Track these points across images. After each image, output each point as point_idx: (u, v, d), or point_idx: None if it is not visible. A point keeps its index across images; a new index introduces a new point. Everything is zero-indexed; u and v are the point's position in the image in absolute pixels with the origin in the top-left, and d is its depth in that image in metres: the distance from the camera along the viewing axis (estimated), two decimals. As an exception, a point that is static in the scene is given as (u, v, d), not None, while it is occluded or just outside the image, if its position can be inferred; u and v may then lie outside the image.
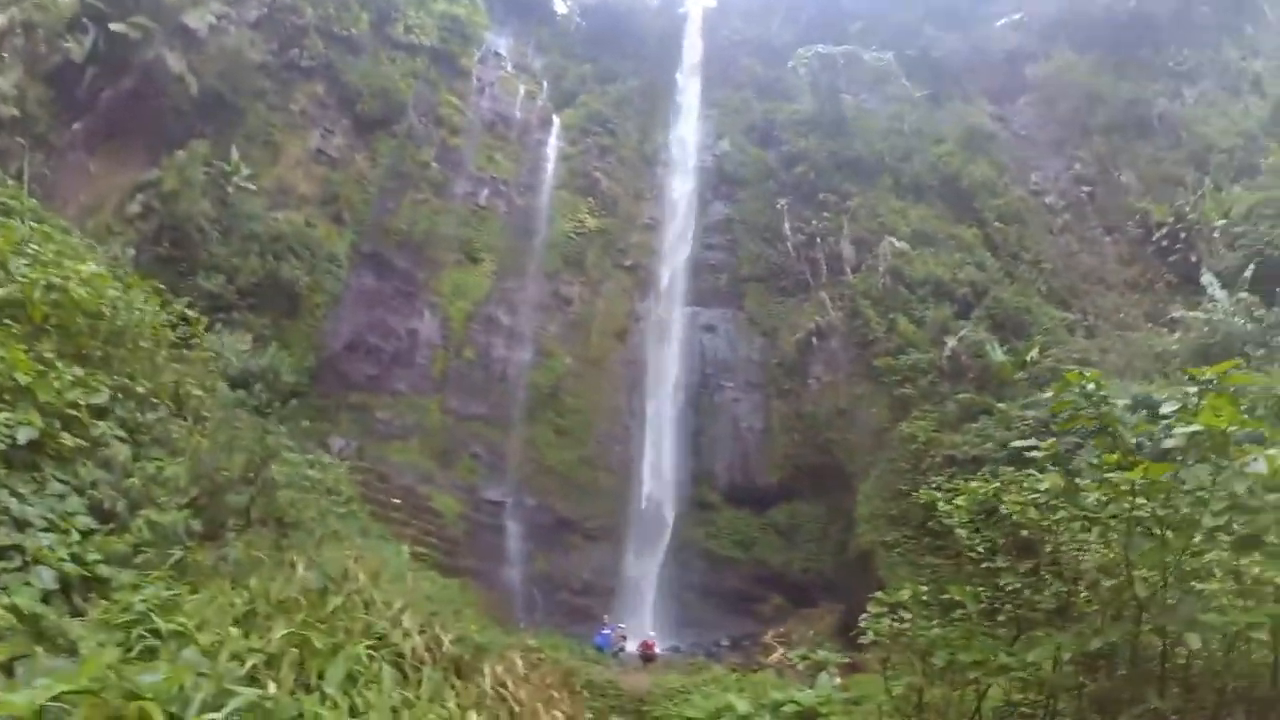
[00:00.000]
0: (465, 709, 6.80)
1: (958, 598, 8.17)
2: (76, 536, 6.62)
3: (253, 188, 29.60)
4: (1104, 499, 5.92)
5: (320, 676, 5.70)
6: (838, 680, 9.99)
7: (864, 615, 8.79)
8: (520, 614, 29.53)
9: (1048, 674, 6.50)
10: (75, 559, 6.29)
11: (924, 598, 8.48)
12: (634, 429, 36.45)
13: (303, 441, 24.96)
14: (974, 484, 9.16)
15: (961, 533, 9.37)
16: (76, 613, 5.76)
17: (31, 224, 12.35)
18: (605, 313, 38.86)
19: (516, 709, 7.93)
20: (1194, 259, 31.30)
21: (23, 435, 7.01)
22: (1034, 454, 6.92)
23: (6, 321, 8.57)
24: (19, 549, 5.90)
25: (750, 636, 30.91)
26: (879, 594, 8.76)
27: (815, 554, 31.94)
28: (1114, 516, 5.92)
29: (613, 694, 17.89)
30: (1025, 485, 7.98)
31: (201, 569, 7.34)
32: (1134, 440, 6.26)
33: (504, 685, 8.16)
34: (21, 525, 6.23)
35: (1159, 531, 5.52)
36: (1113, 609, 6.27)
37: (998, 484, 8.83)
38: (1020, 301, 31.97)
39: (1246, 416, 4.90)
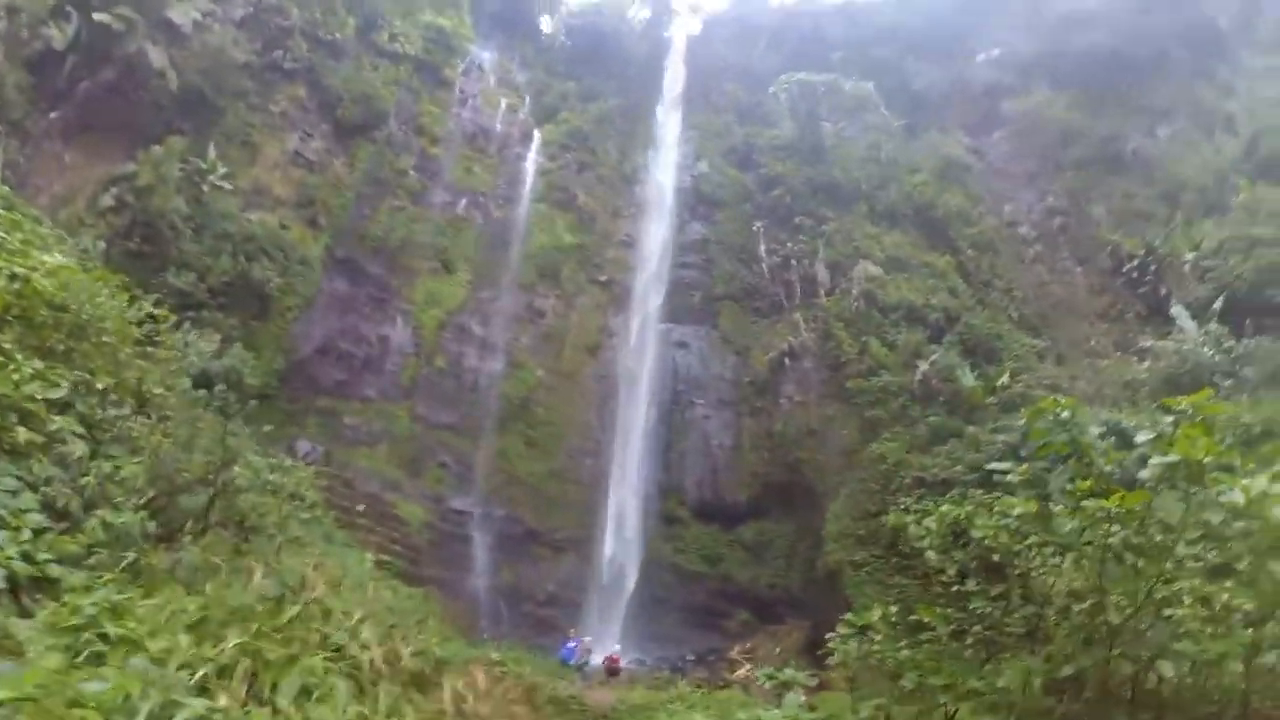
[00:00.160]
0: (423, 725, 6.63)
1: (927, 620, 8.13)
2: (28, 535, 6.39)
3: (228, 187, 29.20)
4: (1080, 525, 5.91)
5: (273, 689, 5.52)
6: (804, 699, 9.90)
7: (831, 635, 8.72)
8: (485, 625, 29.23)
9: (1018, 698, 6.45)
10: (25, 558, 6.08)
11: (893, 619, 8.42)
12: (605, 443, 36.31)
13: (268, 445, 24.56)
14: (945, 507, 9.15)
15: (932, 555, 9.34)
16: (25, 613, 5.54)
17: (1, 211, 12.02)
18: (579, 326, 38.80)
19: (477, 725, 7.76)
20: (1163, 291, 32.04)
21: (-26, 428, 6.77)
22: (1009, 477, 6.92)
23: (-34, 311, 8.31)
24: (-34, 545, 5.67)
25: (716, 651, 30.82)
26: (848, 615, 8.70)
27: (783, 571, 31.95)
28: (1088, 543, 5.91)
29: (576, 710, 17.59)
30: (996, 509, 7.97)
31: (156, 573, 7.11)
32: (1108, 467, 6.28)
33: (465, 701, 7.98)
34: (-30, 520, 6.00)
35: (1132, 559, 5.52)
36: (1084, 634, 6.25)
37: (969, 507, 8.81)
38: (991, 328, 32.40)
39: (1221, 447, 4.92)
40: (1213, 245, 30.50)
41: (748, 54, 50.98)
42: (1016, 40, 46.37)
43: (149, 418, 10.51)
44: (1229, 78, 39.24)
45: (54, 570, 6.19)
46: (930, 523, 9.32)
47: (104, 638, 5.26)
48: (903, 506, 23.60)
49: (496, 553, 32.55)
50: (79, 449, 8.11)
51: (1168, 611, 5.55)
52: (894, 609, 8.60)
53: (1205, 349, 24.58)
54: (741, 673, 25.21)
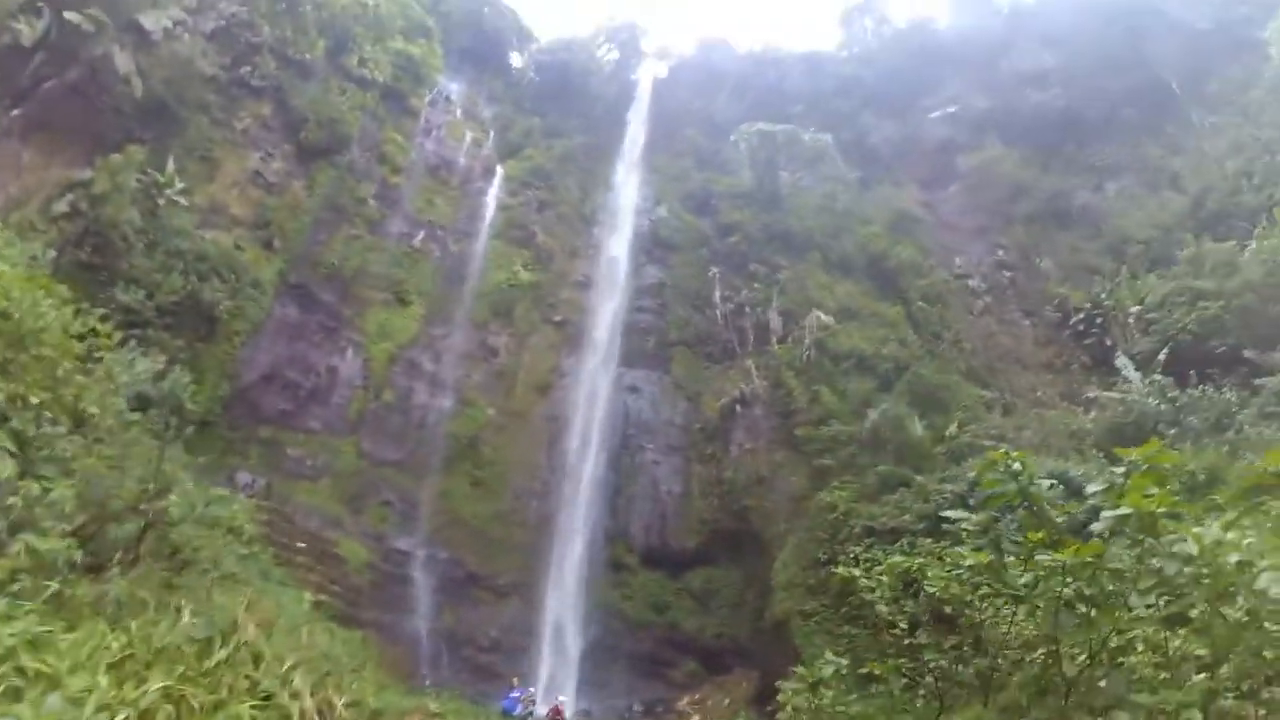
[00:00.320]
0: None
1: (879, 672, 8.07)
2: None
3: (184, 202, 28.48)
4: (1034, 577, 5.93)
5: (195, 738, 5.21)
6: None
7: (780, 684, 8.62)
8: (425, 670, 28.33)
9: (972, 751, 6.40)
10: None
11: (843, 671, 8.36)
12: (552, 485, 35.80)
13: (207, 474, 23.75)
14: (897, 558, 9.16)
15: (883, 609, 9.32)
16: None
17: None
18: (531, 366, 38.48)
19: (412, 781, 7.44)
20: (1108, 343, 33.09)
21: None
22: (963, 525, 6.95)
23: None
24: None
25: (663, 702, 30.30)
26: (800, 669, 8.59)
27: (730, 620, 31.62)
28: (1041, 595, 5.93)
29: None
30: (948, 560, 7.98)
31: (80, 605, 6.71)
32: (1059, 519, 6.34)
33: (401, 755, 7.64)
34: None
35: (1085, 609, 5.54)
36: (1038, 685, 6.24)
37: (920, 559, 8.83)
38: (940, 378, 32.93)
39: (1177, 498, 4.99)
40: (1157, 299, 31.50)
41: (711, 101, 52.16)
42: (971, 97, 48.31)
43: (85, 438, 10.04)
44: (1176, 135, 41.06)
45: (-28, 596, 5.80)
46: (881, 575, 9.31)
47: (21, 672, 4.91)
48: (852, 555, 23.72)
49: (439, 595, 31.66)
50: (8, 468, 7.67)
51: (1121, 660, 5.58)
52: (844, 660, 8.53)
53: (1150, 399, 25.27)
54: (691, 725, 24.79)
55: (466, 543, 33.33)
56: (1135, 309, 32.38)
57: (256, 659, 7.14)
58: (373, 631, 26.06)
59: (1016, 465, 6.13)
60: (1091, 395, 29.30)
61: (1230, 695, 4.83)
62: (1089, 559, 5.29)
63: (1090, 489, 5.79)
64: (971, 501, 20.98)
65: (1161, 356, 28.24)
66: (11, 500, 7.26)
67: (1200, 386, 25.12)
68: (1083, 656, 5.77)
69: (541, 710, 25.25)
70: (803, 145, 43.52)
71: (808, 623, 25.09)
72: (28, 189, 23.76)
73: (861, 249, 40.54)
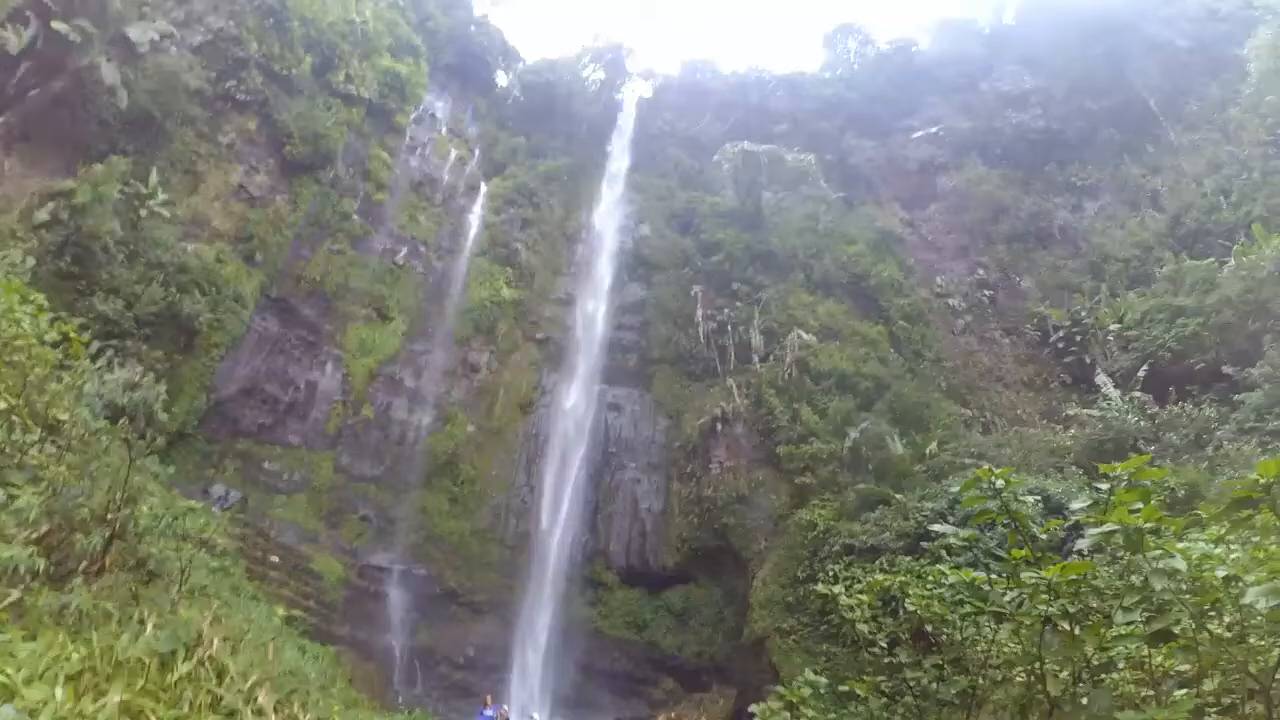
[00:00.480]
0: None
1: (858, 691, 8.00)
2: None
3: (166, 215, 28.18)
4: (1019, 595, 5.89)
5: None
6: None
7: (754, 707, 8.51)
8: (399, 687, 27.94)
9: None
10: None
11: (821, 689, 8.27)
12: (531, 503, 35.58)
13: (183, 486, 23.41)
14: (879, 576, 9.11)
15: (863, 627, 9.27)
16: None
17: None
18: (511, 383, 38.36)
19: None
20: (1088, 360, 33.36)
21: None
22: (949, 540, 6.92)
23: None
24: None
25: None
26: (779, 689, 8.50)
27: (709, 638, 31.41)
28: (1026, 613, 5.89)
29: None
30: (930, 579, 7.93)
31: (41, 614, 6.51)
32: (1044, 536, 6.31)
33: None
34: None
35: (1069, 627, 5.50)
36: (1021, 704, 6.18)
37: (902, 577, 8.78)
38: (921, 397, 33.07)
39: (1165, 513, 4.97)
40: (1137, 316, 31.77)
41: (695, 121, 52.52)
42: (953, 118, 48.96)
43: (56, 447, 9.83)
44: (1156, 154, 41.55)
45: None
46: (861, 593, 9.25)
47: (-24, 681, 4.74)
48: (831, 573, 23.74)
49: (414, 612, 31.29)
50: (-31, 474, 7.48)
51: (1103, 677, 5.53)
52: (823, 679, 8.45)
53: (1129, 416, 25.50)
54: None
55: (444, 559, 33.00)
56: (1115, 327, 32.71)
57: (220, 674, 6.94)
58: (346, 648, 25.74)
59: (1000, 482, 6.09)
60: (1071, 413, 29.50)
61: (1214, 711, 4.80)
62: (1074, 576, 5.26)
63: (1074, 505, 5.77)
64: (951, 519, 21.09)
65: (1141, 374, 28.56)
66: (-27, 506, 7.08)
67: (1179, 403, 25.41)
68: (1065, 674, 5.72)
69: (515, 728, 24.95)
70: (786, 165, 43.83)
71: (786, 640, 24.99)
72: (9, 197, 23.49)
73: (843, 268, 40.80)
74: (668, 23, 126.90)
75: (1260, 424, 22.14)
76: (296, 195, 34.52)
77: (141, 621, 7.11)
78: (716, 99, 54.56)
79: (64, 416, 10.28)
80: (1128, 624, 5.25)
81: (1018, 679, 6.52)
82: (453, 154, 44.02)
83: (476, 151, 46.24)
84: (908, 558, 20.90)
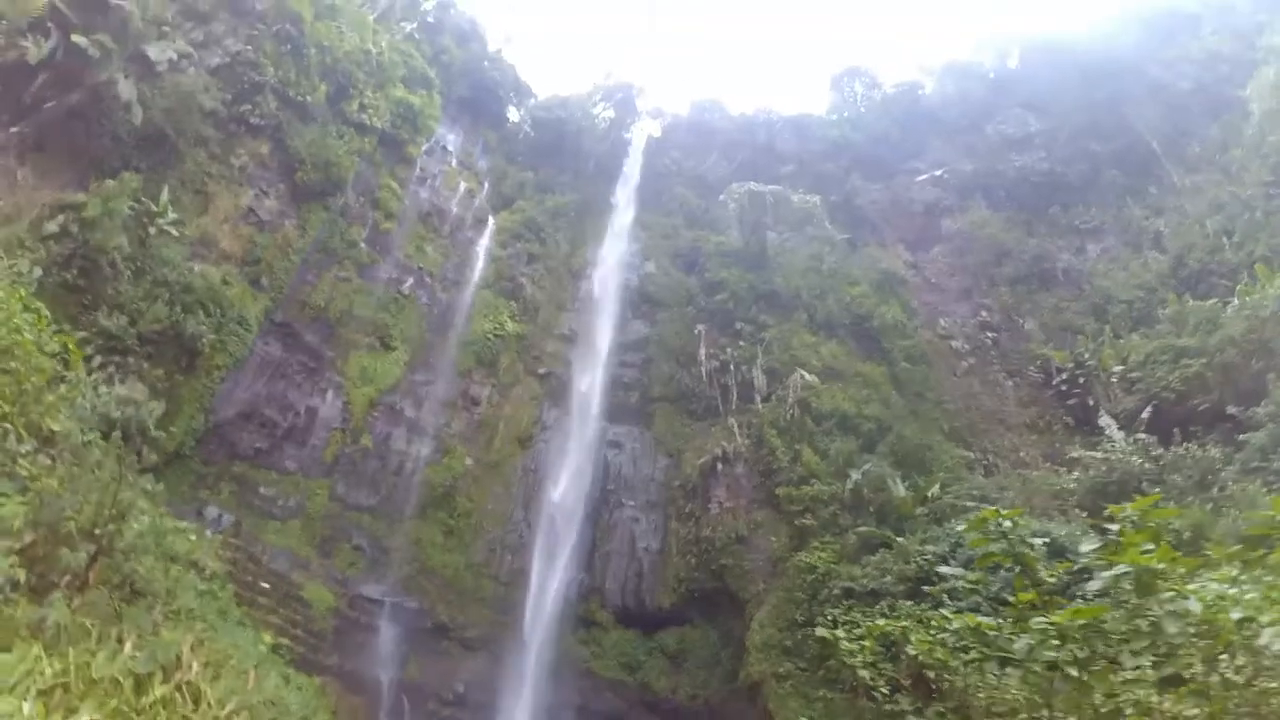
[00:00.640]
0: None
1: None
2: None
3: (175, 234, 28.19)
4: (1030, 640, 5.70)
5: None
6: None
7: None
8: (385, 723, 27.40)
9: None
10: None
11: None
12: (527, 539, 35.21)
13: (177, 507, 23.18)
14: (879, 621, 8.95)
15: (864, 673, 9.07)
16: None
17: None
18: (512, 417, 38.21)
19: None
20: (1091, 402, 33.18)
21: None
22: (954, 584, 6.78)
23: None
24: None
25: (631, 763, 29.39)
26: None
27: (704, 681, 30.77)
28: (1034, 659, 5.70)
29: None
30: (934, 623, 7.76)
31: (18, 626, 6.33)
32: (1052, 579, 6.15)
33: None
34: None
35: (1077, 673, 5.32)
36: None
37: (904, 622, 8.61)
38: (923, 438, 32.85)
39: (1178, 554, 4.83)
40: (1140, 357, 31.67)
41: (702, 160, 53.04)
42: (957, 161, 49.42)
43: (50, 459, 9.70)
44: (1158, 196, 41.79)
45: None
46: (866, 641, 9.05)
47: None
48: (830, 618, 23.34)
49: (404, 645, 30.75)
50: (-42, 480, 7.34)
51: (1114, 725, 5.32)
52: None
53: (1133, 457, 25.30)
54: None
55: (436, 593, 32.54)
56: (1118, 368, 32.59)
57: (197, 700, 6.74)
58: (333, 679, 25.27)
59: (1007, 523, 5.95)
60: (1074, 455, 29.24)
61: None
62: (1084, 621, 5.10)
63: (1084, 548, 5.64)
64: (953, 562, 20.77)
65: (1145, 415, 28.39)
66: (-44, 513, 6.93)
67: (1184, 444, 25.19)
68: (1076, 722, 5.52)
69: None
70: (791, 206, 44.10)
71: (783, 685, 24.48)
72: (20, 206, 23.55)
73: (847, 309, 40.84)
74: (678, 63, 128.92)
75: (1265, 464, 21.96)
76: (305, 221, 34.67)
77: (120, 640, 6.92)
78: (724, 139, 55.17)
79: (58, 428, 10.15)
80: (1136, 669, 5.08)
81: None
82: (462, 186, 44.38)
83: (485, 185, 46.65)
84: (909, 602, 20.55)
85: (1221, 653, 4.87)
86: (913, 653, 7.76)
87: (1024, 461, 33.17)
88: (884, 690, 8.91)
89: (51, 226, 23.22)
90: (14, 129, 24.81)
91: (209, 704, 6.83)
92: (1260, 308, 26.75)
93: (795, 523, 30.21)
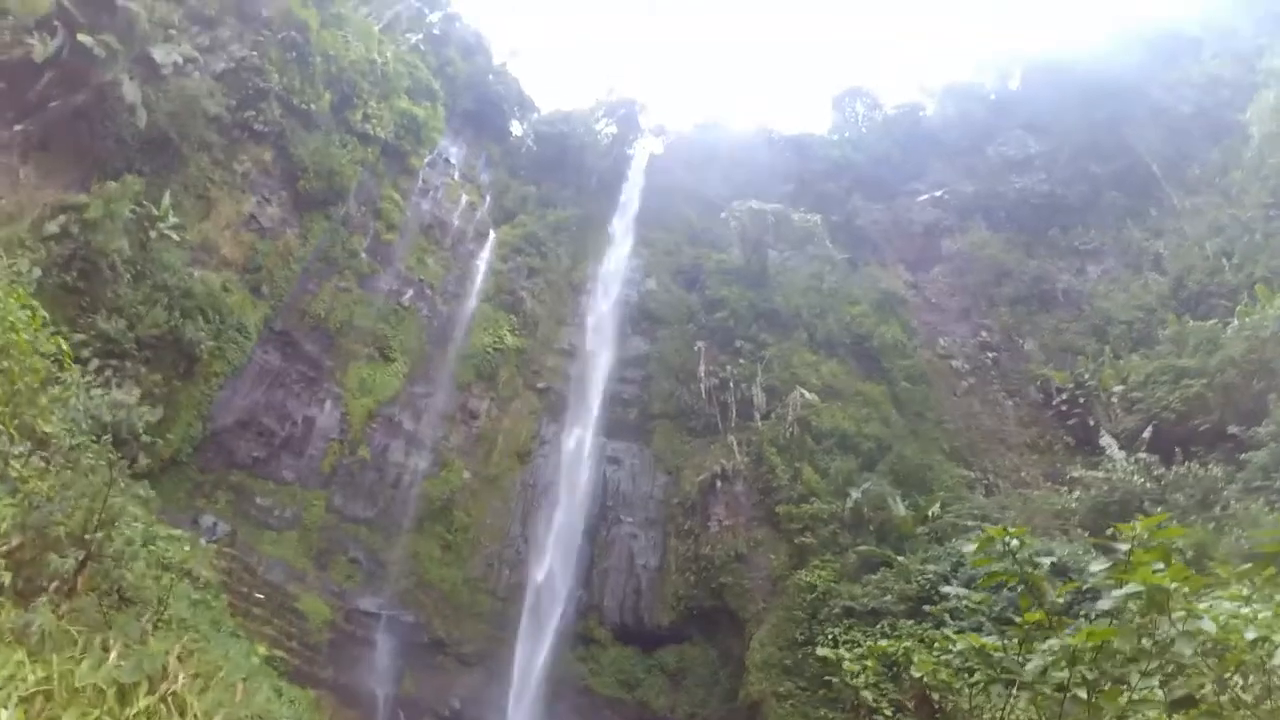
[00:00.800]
0: None
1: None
2: None
3: (176, 238, 28.14)
4: (1041, 662, 5.56)
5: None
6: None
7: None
8: (379, 737, 27.12)
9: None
10: None
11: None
12: (525, 554, 34.99)
13: (172, 514, 23.00)
14: (882, 641, 8.82)
15: (867, 694, 8.96)
16: None
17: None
18: (510, 431, 38.08)
19: None
20: (1092, 423, 33.20)
21: None
22: (958, 604, 6.66)
23: None
24: None
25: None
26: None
27: (703, 700, 30.47)
28: (1045, 681, 5.56)
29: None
30: (936, 644, 7.62)
31: (2, 631, 6.18)
32: (1060, 599, 6.02)
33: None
34: None
35: (1086, 695, 5.18)
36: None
37: (906, 643, 8.47)
38: (923, 458, 32.80)
39: (1191, 571, 4.71)
40: (1140, 378, 31.73)
41: (704, 178, 53.12)
42: (958, 181, 49.58)
43: (45, 461, 9.57)
44: (1158, 218, 41.92)
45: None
46: (864, 657, 8.93)
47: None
48: (830, 637, 23.15)
49: (400, 659, 30.50)
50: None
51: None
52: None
53: (1135, 477, 25.29)
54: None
55: (433, 607, 32.30)
56: (1118, 388, 32.61)
57: (182, 711, 6.57)
58: (327, 692, 25.04)
59: (1015, 542, 5.81)
60: (1075, 475, 29.20)
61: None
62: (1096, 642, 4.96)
63: (1094, 567, 5.53)
64: (954, 582, 20.63)
65: (1145, 435, 28.41)
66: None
67: (1185, 464, 25.18)
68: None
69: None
70: (792, 225, 44.19)
71: (783, 705, 24.25)
72: (21, 206, 23.49)
73: (847, 328, 40.85)
74: (680, 81, 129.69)
75: (1268, 483, 21.92)
76: (307, 230, 34.66)
77: (106, 649, 6.76)
78: (726, 157, 55.33)
79: (50, 430, 10.04)
80: (1144, 690, 4.95)
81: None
82: (464, 199, 44.44)
83: (488, 198, 46.72)
84: (910, 621, 20.41)
85: (1233, 673, 4.75)
86: (917, 674, 7.62)
87: (1025, 481, 33.11)
88: (887, 713, 8.77)
89: (52, 227, 23.16)
90: (18, 127, 24.79)
91: (195, 716, 6.67)
92: (1260, 328, 26.77)
93: (795, 541, 30.08)
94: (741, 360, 38.69)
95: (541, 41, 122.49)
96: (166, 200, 28.05)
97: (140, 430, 16.15)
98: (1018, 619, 5.88)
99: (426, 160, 42.91)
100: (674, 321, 42.83)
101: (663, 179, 53.64)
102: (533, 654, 32.31)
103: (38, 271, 19.51)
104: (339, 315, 35.21)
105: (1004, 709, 6.76)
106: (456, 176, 45.44)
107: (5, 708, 4.82)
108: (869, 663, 8.74)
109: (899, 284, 45.41)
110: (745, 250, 44.23)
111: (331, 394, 34.02)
